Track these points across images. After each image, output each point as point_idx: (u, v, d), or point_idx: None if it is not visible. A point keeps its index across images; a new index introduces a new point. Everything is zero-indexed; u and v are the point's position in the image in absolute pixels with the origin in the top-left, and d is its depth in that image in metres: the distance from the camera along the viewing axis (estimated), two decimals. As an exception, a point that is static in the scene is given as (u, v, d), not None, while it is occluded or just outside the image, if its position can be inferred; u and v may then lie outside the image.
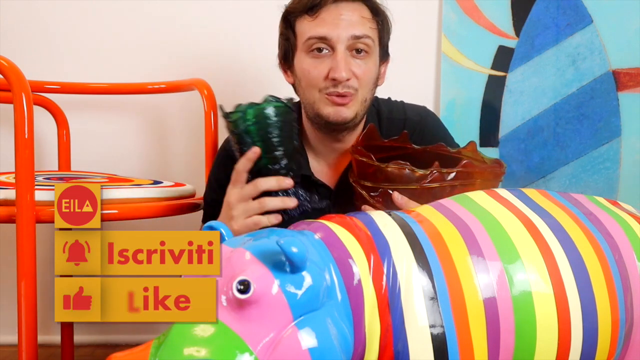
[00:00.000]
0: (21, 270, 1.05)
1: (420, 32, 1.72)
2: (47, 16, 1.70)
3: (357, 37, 1.14)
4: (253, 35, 1.71)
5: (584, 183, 1.69)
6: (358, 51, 1.15)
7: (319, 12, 1.14)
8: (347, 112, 1.16)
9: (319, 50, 1.15)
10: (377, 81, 1.21)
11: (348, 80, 1.14)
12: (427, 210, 0.86)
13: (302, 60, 1.17)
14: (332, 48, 1.14)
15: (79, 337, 1.65)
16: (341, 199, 1.23)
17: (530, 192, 0.91)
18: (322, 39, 1.14)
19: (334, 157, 1.26)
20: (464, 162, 1.04)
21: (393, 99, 1.35)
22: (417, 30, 1.72)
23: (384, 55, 1.23)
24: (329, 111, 1.16)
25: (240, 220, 1.03)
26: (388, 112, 1.29)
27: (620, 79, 1.68)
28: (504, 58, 1.70)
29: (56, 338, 1.65)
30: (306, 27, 1.16)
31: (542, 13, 1.69)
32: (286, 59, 1.22)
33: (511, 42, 1.70)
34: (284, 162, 1.04)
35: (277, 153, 1.03)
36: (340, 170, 1.25)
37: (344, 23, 1.14)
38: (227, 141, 1.28)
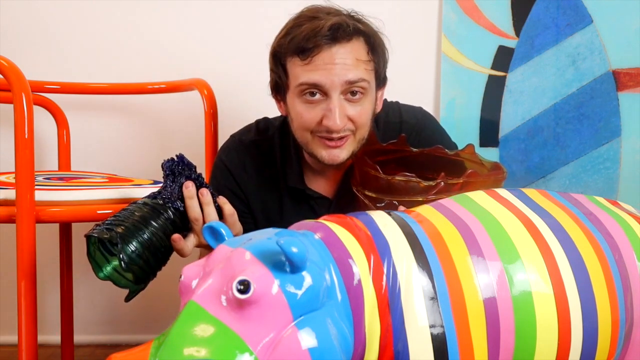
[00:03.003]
0: (21, 270, 1.05)
1: (420, 32, 1.72)
2: (47, 16, 1.70)
3: (352, 82, 1.09)
4: (253, 35, 1.71)
5: (584, 183, 1.69)
6: (353, 93, 1.11)
7: (311, 58, 1.09)
8: (341, 154, 1.13)
9: (312, 94, 1.10)
10: (374, 114, 1.18)
11: (343, 127, 1.11)
12: (427, 210, 0.86)
13: (294, 103, 1.13)
14: (326, 94, 1.10)
15: (79, 337, 1.65)
16: (341, 209, 1.22)
17: (530, 192, 0.91)
18: (315, 85, 1.09)
19: (331, 172, 1.23)
20: (469, 171, 1.03)
21: (389, 100, 1.34)
22: (417, 30, 1.72)
23: (380, 83, 1.19)
24: (322, 154, 1.13)
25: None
26: (384, 116, 1.27)
27: (620, 79, 1.68)
28: (504, 58, 1.70)
29: (56, 338, 1.65)
30: (298, 72, 1.11)
31: (542, 13, 1.69)
32: (278, 92, 1.19)
33: (511, 42, 1.70)
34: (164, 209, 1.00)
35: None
36: (337, 180, 1.24)
37: (338, 68, 1.09)
38: (222, 151, 1.26)
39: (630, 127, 1.68)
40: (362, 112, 1.13)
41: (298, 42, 1.10)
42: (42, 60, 1.69)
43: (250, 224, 1.22)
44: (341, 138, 1.12)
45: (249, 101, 1.69)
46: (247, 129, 1.28)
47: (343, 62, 1.09)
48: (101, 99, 1.70)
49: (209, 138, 1.42)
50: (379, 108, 1.21)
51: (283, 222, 1.20)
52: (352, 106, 1.11)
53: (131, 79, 1.64)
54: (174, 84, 1.56)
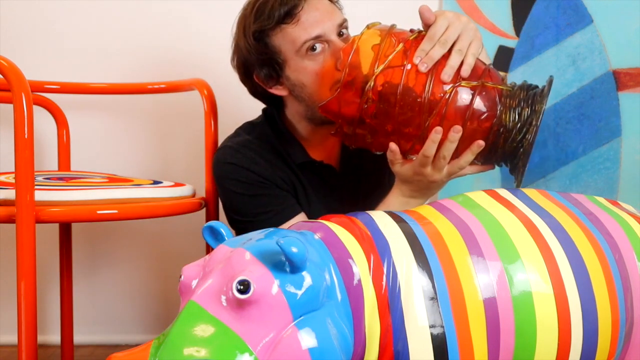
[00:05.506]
0: (21, 270, 1.05)
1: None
2: (47, 16, 1.70)
3: (341, 24, 1.16)
4: (253, 35, 1.70)
5: (584, 183, 1.69)
6: (341, 35, 1.17)
7: (298, 16, 1.12)
8: None
9: (313, 49, 1.13)
10: None
11: None
12: (427, 210, 0.86)
13: (304, 67, 1.14)
14: (326, 42, 1.14)
15: (79, 337, 1.65)
16: (347, 177, 1.26)
17: (530, 192, 0.91)
18: (317, 38, 1.13)
19: (329, 142, 1.26)
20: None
21: None
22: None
23: None
24: None
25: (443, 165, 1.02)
26: None
27: (620, 79, 1.68)
28: (504, 58, 1.69)
29: (56, 338, 1.65)
30: (293, 35, 1.13)
31: (542, 13, 1.69)
32: (271, 77, 1.19)
33: (511, 42, 1.70)
34: None
35: None
36: (335, 150, 1.27)
37: (326, 15, 1.15)
38: (226, 158, 1.24)
39: (630, 127, 1.68)
40: None
41: (275, 11, 1.12)
42: (42, 60, 1.69)
43: (294, 200, 1.22)
44: None
45: (249, 101, 1.69)
46: (234, 135, 1.29)
47: (325, 9, 1.15)
48: (101, 99, 1.70)
49: (209, 138, 1.42)
50: None
51: (308, 197, 1.24)
52: None
53: (131, 79, 1.64)
54: (174, 84, 1.56)
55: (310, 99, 1.18)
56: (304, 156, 1.25)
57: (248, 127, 1.30)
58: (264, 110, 1.32)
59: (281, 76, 1.18)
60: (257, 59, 1.18)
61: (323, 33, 1.13)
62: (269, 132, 1.27)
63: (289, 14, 1.12)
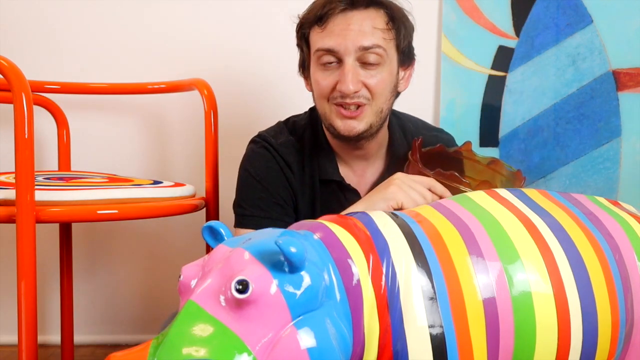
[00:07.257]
0: (21, 270, 1.05)
1: (420, 32, 1.71)
2: (47, 16, 1.70)
3: (366, 48, 1.10)
4: (253, 35, 1.71)
5: (584, 183, 1.69)
6: (368, 62, 1.11)
7: (326, 23, 1.11)
8: (358, 125, 1.13)
9: (329, 61, 1.12)
10: (395, 89, 1.17)
11: (357, 92, 1.10)
12: (426, 210, 0.86)
13: (313, 72, 1.15)
14: (340, 60, 1.11)
15: (79, 337, 1.65)
16: None
17: (530, 192, 0.91)
18: (329, 51, 1.10)
19: (359, 165, 1.23)
20: (518, 169, 1.13)
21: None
22: (417, 30, 1.72)
23: (405, 60, 1.19)
24: (338, 124, 1.13)
25: (404, 186, 1.04)
26: (415, 130, 1.28)
27: (620, 79, 1.68)
28: (504, 58, 1.70)
29: (56, 338, 1.65)
30: (316, 39, 1.13)
31: (542, 13, 1.69)
32: (304, 69, 1.21)
33: (511, 42, 1.70)
34: None
35: None
36: (370, 181, 1.23)
37: (352, 34, 1.09)
38: (247, 160, 1.23)
39: (630, 127, 1.68)
40: (380, 81, 1.12)
41: (316, 11, 1.12)
42: (42, 60, 1.69)
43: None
44: (357, 108, 1.11)
45: (249, 101, 1.69)
46: (277, 131, 1.25)
47: (358, 27, 1.10)
48: (101, 99, 1.70)
49: (209, 138, 1.42)
50: (403, 88, 1.21)
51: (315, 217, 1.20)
52: (368, 73, 1.11)
53: (131, 79, 1.64)
54: (174, 84, 1.56)
55: (317, 107, 1.18)
56: (335, 174, 1.21)
57: (291, 125, 1.26)
58: (311, 110, 1.28)
59: (308, 73, 1.19)
60: (297, 47, 1.20)
61: (336, 49, 1.10)
62: (309, 136, 1.23)
63: (322, 18, 1.11)
